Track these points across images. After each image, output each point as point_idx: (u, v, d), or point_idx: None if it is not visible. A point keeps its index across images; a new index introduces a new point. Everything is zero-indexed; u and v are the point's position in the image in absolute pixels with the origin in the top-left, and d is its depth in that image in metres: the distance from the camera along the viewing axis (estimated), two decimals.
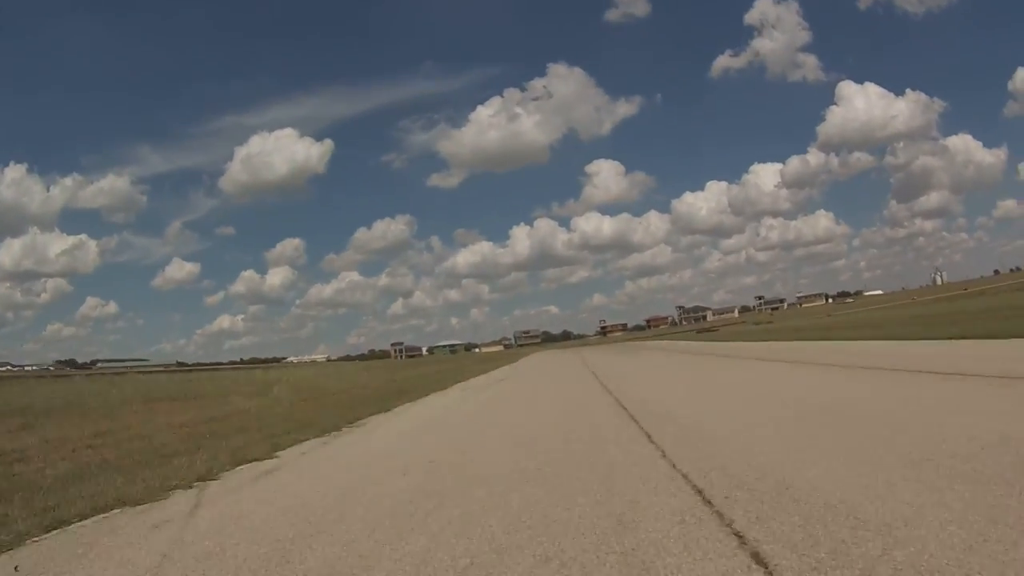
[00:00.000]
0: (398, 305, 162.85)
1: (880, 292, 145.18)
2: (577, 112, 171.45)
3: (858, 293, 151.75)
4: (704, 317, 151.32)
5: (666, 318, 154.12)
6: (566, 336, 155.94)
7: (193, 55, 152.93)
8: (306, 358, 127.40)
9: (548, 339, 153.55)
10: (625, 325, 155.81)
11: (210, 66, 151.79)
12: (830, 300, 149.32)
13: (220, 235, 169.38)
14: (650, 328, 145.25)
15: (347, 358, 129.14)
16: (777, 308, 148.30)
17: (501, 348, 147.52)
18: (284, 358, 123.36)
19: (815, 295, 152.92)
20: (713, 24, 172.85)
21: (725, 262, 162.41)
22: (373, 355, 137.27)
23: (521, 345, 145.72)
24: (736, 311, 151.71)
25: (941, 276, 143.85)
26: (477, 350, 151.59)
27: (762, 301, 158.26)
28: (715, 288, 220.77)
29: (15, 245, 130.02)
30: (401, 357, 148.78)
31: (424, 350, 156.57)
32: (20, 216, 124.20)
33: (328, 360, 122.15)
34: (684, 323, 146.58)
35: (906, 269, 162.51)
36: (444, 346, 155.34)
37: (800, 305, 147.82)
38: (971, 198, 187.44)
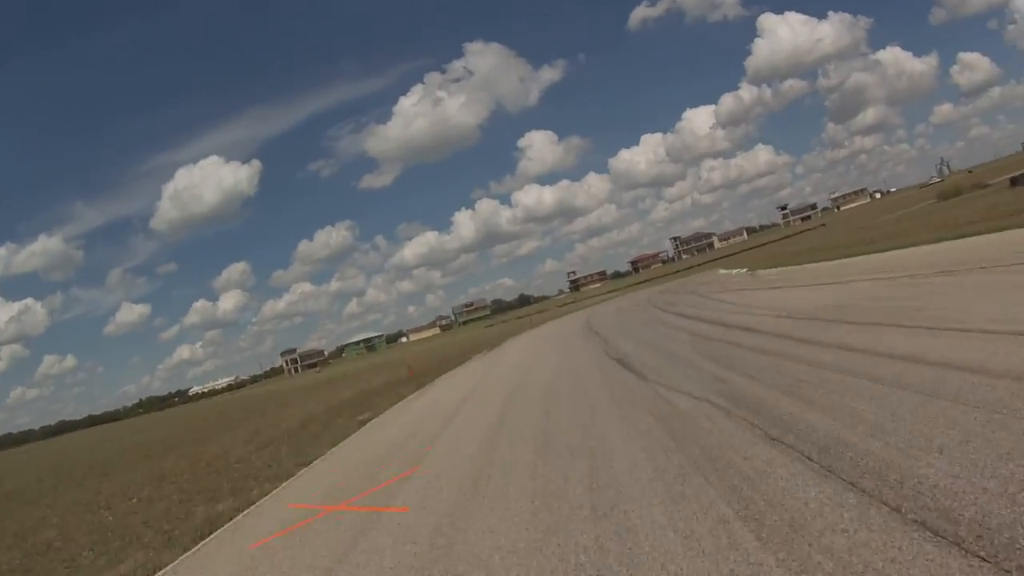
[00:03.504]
0: (353, 304, 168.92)
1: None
2: (501, 87, 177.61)
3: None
4: (710, 245, 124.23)
5: (656, 255, 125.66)
6: (523, 302, 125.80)
7: (106, 101, 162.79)
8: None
9: (500, 309, 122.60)
10: (603, 273, 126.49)
11: (126, 109, 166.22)
12: (877, 195, 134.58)
13: (164, 273, 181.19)
14: (638, 271, 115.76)
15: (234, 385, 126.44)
16: (808, 217, 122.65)
17: (437, 331, 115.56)
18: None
19: (853, 193, 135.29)
20: None
21: (672, 210, 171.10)
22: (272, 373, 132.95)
23: (465, 323, 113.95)
24: (744, 233, 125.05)
25: (947, 166, 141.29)
26: (404, 339, 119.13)
27: (786, 211, 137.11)
28: (663, 236, 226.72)
29: None
30: (296, 370, 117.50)
31: (336, 352, 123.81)
32: None
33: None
34: (684, 256, 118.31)
35: (850, 187, 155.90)
36: (358, 343, 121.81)
37: (837, 209, 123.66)
38: (908, 108, 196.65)
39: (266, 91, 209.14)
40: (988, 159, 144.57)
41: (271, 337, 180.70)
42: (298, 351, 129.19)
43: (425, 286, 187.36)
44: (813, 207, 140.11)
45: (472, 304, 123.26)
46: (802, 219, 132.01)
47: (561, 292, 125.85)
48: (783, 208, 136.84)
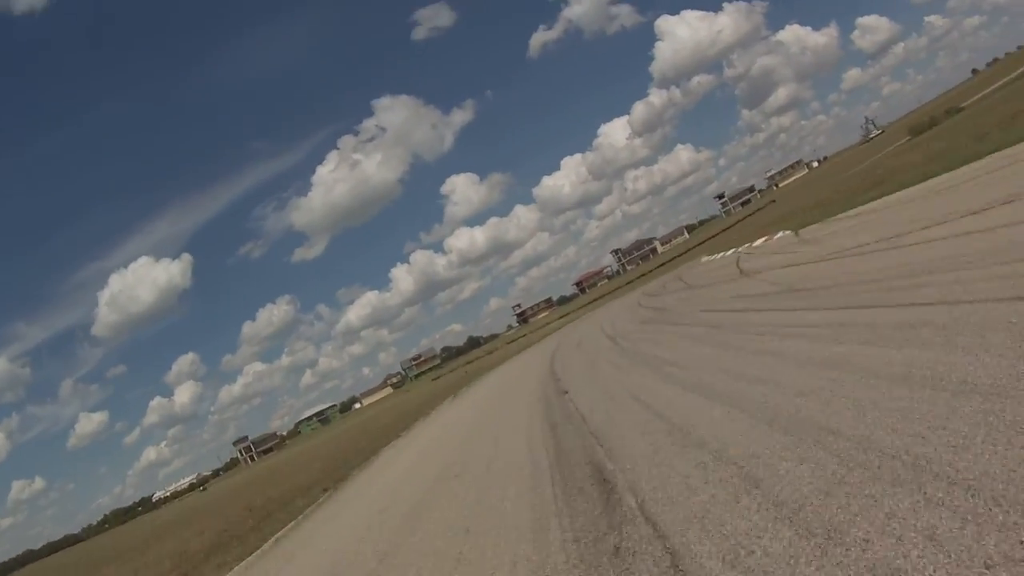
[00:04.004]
0: (308, 376, 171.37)
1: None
2: (416, 137, 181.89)
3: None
4: (653, 251, 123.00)
5: (600, 271, 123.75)
6: (473, 344, 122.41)
7: (30, 219, 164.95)
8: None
9: (451, 355, 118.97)
10: (550, 300, 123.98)
11: (52, 224, 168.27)
12: (816, 164, 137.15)
13: (114, 377, 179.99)
14: (585, 291, 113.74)
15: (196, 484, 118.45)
16: (748, 200, 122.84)
17: (389, 390, 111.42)
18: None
19: (789, 167, 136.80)
20: (519, 7, 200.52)
21: (603, 226, 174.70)
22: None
23: (417, 376, 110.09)
24: (685, 232, 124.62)
25: (874, 124, 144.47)
26: (358, 404, 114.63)
27: (724, 199, 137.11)
28: (601, 254, 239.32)
29: None
30: (253, 459, 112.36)
31: (294, 430, 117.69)
32: None
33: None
34: (629, 268, 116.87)
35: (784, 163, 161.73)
36: (311, 418, 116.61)
37: (776, 186, 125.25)
38: (817, 81, 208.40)
39: (186, 185, 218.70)
40: (910, 111, 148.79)
41: (233, 423, 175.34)
42: (250, 438, 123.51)
43: (375, 345, 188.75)
44: (751, 189, 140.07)
45: (420, 356, 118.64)
46: (742, 204, 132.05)
47: (510, 327, 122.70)
48: (720, 197, 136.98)
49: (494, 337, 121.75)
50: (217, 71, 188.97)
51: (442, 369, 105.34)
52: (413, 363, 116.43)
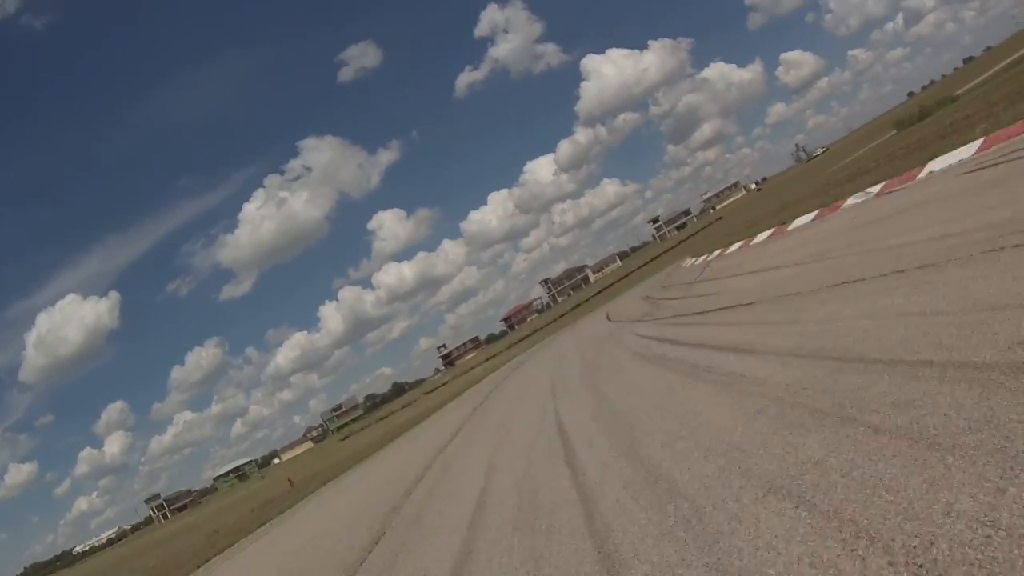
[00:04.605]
0: (238, 425, 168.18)
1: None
2: (342, 176, 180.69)
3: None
4: (585, 280, 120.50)
5: (529, 305, 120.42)
6: (398, 391, 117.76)
7: None
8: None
9: (375, 404, 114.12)
10: (476, 339, 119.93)
11: None
12: (754, 185, 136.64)
13: (43, 426, 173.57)
14: (513, 327, 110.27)
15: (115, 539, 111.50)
16: (684, 224, 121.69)
17: (310, 444, 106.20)
18: None
19: (727, 189, 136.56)
20: (446, 48, 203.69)
21: (531, 259, 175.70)
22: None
23: (340, 428, 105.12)
24: (617, 259, 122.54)
25: (805, 151, 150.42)
26: (277, 460, 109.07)
27: (659, 223, 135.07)
28: (529, 286, 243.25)
29: None
30: (166, 516, 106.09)
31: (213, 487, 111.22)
32: None
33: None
34: (559, 299, 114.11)
35: (698, 198, 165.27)
36: (227, 474, 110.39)
37: (713, 209, 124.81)
38: (742, 116, 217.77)
39: (114, 223, 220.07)
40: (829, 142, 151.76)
41: (165, 474, 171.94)
42: (162, 496, 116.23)
43: (305, 391, 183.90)
44: (687, 213, 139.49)
45: (342, 407, 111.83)
46: (677, 228, 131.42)
47: (438, 371, 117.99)
48: (655, 221, 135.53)
49: (421, 381, 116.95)
50: (144, 109, 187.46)
51: (366, 419, 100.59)
52: (334, 414, 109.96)
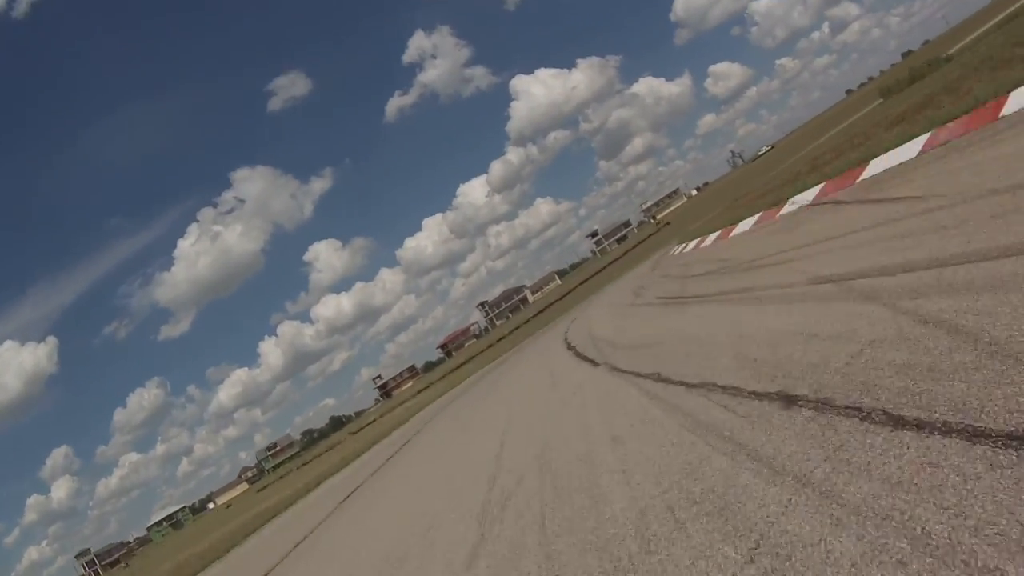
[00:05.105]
0: (184, 464, 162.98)
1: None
2: (275, 207, 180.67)
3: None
4: (523, 300, 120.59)
5: (467, 330, 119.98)
6: (336, 425, 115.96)
7: None
8: None
9: (312, 441, 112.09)
10: (413, 368, 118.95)
11: None
12: (695, 192, 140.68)
13: None
14: (451, 354, 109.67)
15: None
16: (624, 236, 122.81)
17: (245, 486, 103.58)
18: None
19: (667, 197, 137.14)
20: (375, 75, 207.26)
21: (469, 283, 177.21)
22: None
23: (275, 467, 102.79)
24: (556, 278, 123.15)
25: (740, 157, 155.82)
26: (212, 504, 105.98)
27: (598, 236, 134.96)
28: (469, 311, 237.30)
29: None
30: (98, 574, 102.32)
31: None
32: None
33: None
34: (498, 322, 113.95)
35: (634, 211, 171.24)
36: (162, 522, 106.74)
37: (654, 219, 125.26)
38: (672, 129, 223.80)
39: (48, 267, 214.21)
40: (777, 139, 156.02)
41: (115, 518, 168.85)
42: (93, 551, 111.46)
43: (249, 427, 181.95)
44: (627, 224, 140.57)
45: (277, 445, 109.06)
46: (617, 240, 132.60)
47: (377, 401, 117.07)
48: (594, 235, 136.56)
49: (361, 413, 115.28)
50: (71, 149, 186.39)
51: (304, 456, 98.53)
52: (269, 453, 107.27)
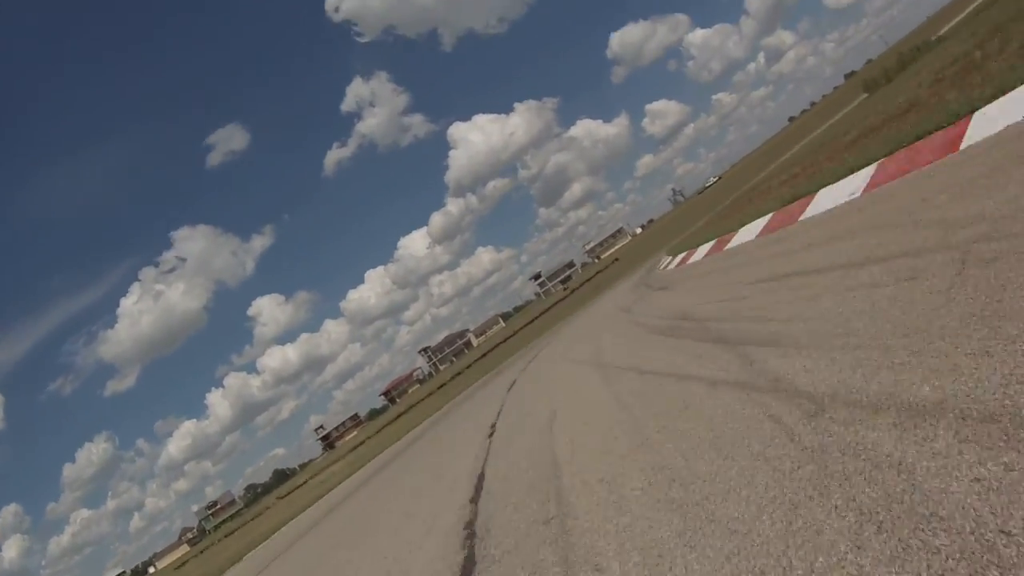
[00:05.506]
0: (136, 519, 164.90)
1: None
2: (217, 264, 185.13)
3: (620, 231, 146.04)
4: (467, 344, 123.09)
5: (410, 375, 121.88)
6: (280, 478, 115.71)
7: None
8: None
9: (256, 497, 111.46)
10: (356, 416, 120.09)
11: None
12: (639, 230, 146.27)
13: None
14: (395, 401, 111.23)
15: None
16: (569, 277, 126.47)
17: (186, 548, 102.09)
18: None
19: (611, 237, 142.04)
20: (313, 124, 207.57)
21: (414, 331, 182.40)
22: None
23: (217, 527, 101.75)
24: (500, 320, 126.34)
25: (682, 194, 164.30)
26: (152, 568, 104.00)
27: (541, 278, 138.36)
28: (415, 357, 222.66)
29: None
30: None
31: None
32: None
33: None
34: (441, 367, 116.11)
35: (577, 253, 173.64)
36: None
37: (598, 258, 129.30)
38: (611, 172, 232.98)
39: None
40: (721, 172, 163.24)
41: None
42: None
43: (200, 479, 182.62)
44: (570, 265, 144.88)
45: (217, 504, 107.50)
46: (561, 282, 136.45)
47: (324, 451, 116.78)
48: (536, 277, 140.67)
49: (309, 463, 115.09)
50: (8, 207, 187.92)
51: (246, 515, 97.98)
52: (209, 512, 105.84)
